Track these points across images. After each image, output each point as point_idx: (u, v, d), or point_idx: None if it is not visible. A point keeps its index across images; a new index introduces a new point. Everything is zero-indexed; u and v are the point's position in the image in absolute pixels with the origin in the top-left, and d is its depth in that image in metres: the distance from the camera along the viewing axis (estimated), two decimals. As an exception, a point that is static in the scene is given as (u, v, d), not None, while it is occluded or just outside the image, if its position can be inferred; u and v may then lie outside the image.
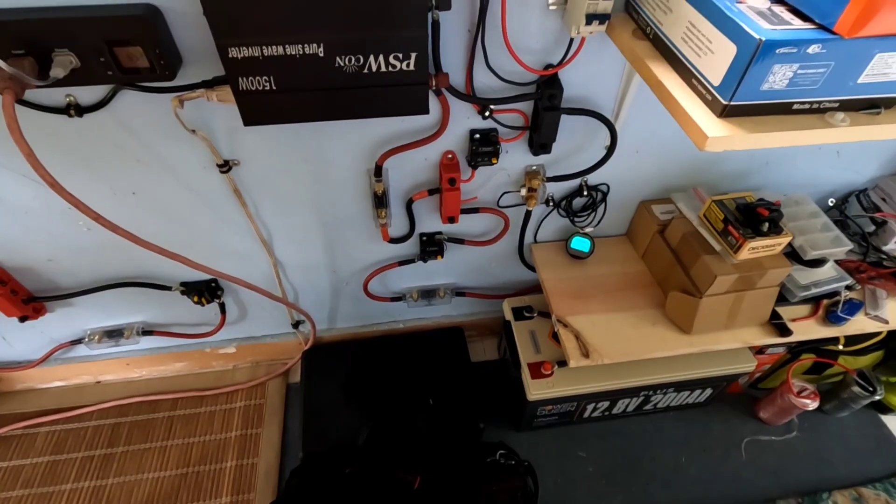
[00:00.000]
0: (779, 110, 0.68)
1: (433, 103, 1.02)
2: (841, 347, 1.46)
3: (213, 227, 1.21)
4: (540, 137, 1.09)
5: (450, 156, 1.15)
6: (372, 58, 0.81)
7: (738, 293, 1.18)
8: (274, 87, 0.83)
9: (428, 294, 1.53)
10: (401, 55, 0.81)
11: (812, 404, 1.43)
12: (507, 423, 1.57)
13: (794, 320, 1.28)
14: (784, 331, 1.24)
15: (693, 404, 1.57)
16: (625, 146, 1.19)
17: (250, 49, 0.77)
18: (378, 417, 1.47)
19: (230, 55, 0.77)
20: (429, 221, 1.31)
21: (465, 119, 1.08)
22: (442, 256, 1.37)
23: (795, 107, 0.69)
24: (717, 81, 0.68)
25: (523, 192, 1.23)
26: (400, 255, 1.40)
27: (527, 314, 1.46)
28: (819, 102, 0.69)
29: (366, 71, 0.82)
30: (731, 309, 1.21)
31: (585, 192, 1.28)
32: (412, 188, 1.21)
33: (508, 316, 1.48)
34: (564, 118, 1.08)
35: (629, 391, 1.41)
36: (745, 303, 1.20)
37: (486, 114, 1.04)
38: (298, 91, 0.84)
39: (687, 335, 1.23)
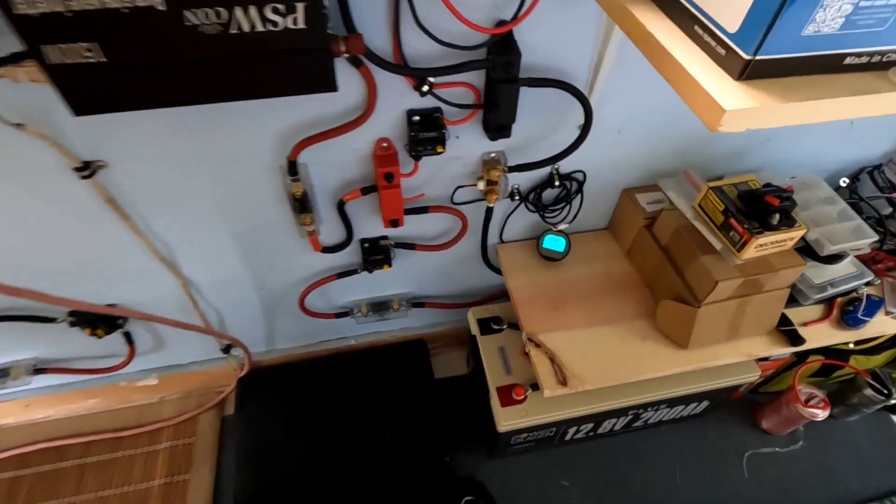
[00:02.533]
0: (825, 66, 0.46)
1: (350, 77, 0.78)
2: (852, 346, 1.28)
3: (91, 246, 0.96)
4: (496, 118, 0.86)
5: (384, 145, 0.91)
6: (239, 11, 0.56)
7: (742, 299, 0.98)
8: (104, 59, 0.58)
9: (380, 307, 1.31)
10: (282, 6, 0.57)
11: (822, 414, 1.26)
12: (479, 448, 1.37)
13: (805, 324, 1.09)
14: (795, 339, 1.05)
15: (687, 416, 1.39)
16: (603, 125, 0.97)
17: (48, 1, 0.52)
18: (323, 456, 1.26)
19: (17, 10, 0.52)
20: (370, 225, 1.08)
21: (398, 97, 0.84)
22: (389, 265, 1.14)
23: (848, 61, 0.47)
24: (733, 27, 0.45)
25: (481, 185, 1.00)
26: (338, 265, 1.17)
27: (495, 326, 1.25)
28: (882, 54, 0.47)
29: (233, 31, 0.58)
30: (733, 317, 1.01)
31: (557, 183, 1.05)
32: (342, 187, 0.97)
33: (474, 330, 1.27)
34: (526, 92, 0.85)
35: (616, 412, 1.22)
36: (750, 309, 1.00)
37: (425, 89, 0.81)
38: (141, 64, 0.59)
39: (682, 350, 1.03)
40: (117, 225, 0.91)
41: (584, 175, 1.08)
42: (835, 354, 1.29)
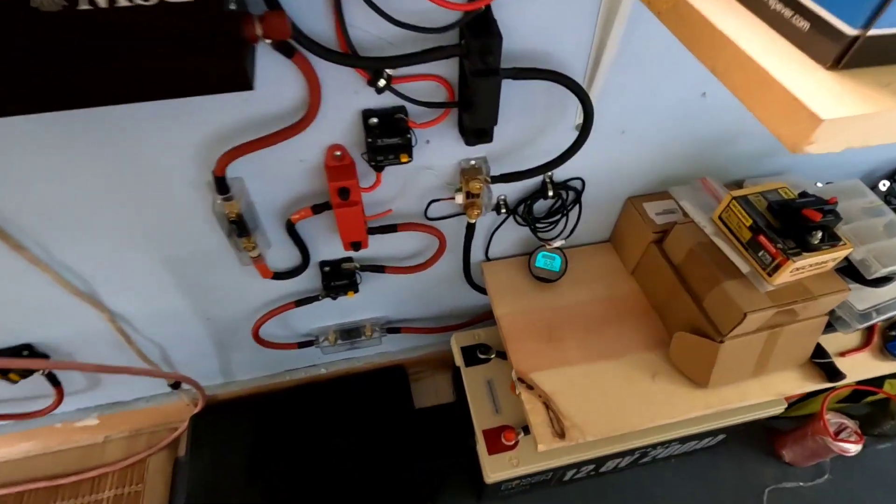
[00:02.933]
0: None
1: (282, 70, 0.61)
2: (886, 369, 1.13)
3: (-18, 282, 0.78)
4: (474, 119, 0.69)
5: (337, 154, 0.74)
6: (83, -23, 0.39)
7: (772, 330, 0.82)
8: None
9: (350, 334, 1.14)
10: (148, -31, 0.40)
11: (854, 449, 1.11)
12: (466, 490, 1.22)
13: (842, 354, 0.93)
14: (833, 373, 0.89)
15: (700, 449, 1.24)
16: (604, 125, 0.80)
17: None
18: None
19: None
20: (329, 246, 0.91)
21: (349, 95, 0.67)
22: (356, 291, 0.97)
23: None
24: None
25: (460, 198, 0.83)
26: (296, 292, 1.00)
27: (482, 356, 1.09)
28: None
29: (83, 7, 0.40)
30: (761, 351, 0.85)
31: (551, 193, 0.89)
32: (289, 204, 0.80)
33: (458, 360, 1.11)
34: (510, 86, 0.69)
35: (621, 453, 1.06)
36: (781, 341, 0.84)
37: (381, 84, 0.63)
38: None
39: (701, 389, 0.87)
40: (9, 256, 0.74)
41: (583, 183, 0.91)
42: (868, 379, 1.14)
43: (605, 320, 0.95)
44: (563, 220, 0.96)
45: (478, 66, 0.62)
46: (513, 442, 0.97)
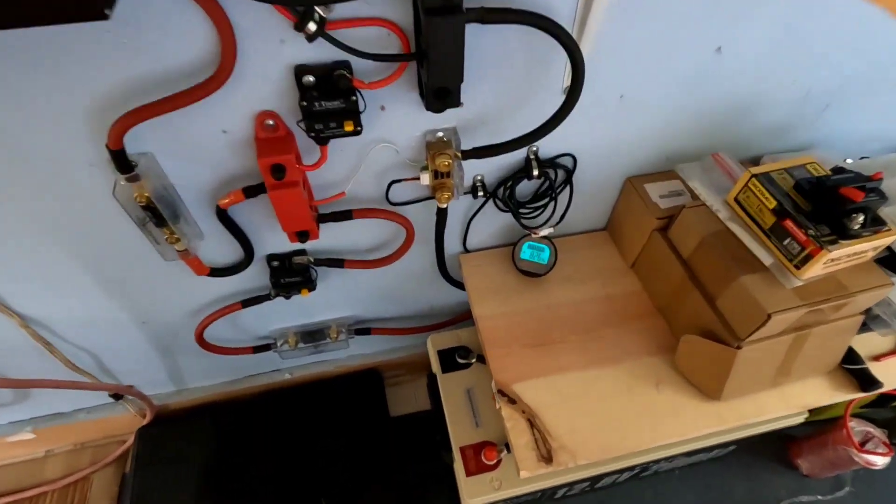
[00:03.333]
0: None
1: (183, 12, 0.47)
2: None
3: None
4: (433, 75, 0.55)
5: (269, 123, 0.60)
6: None
7: (798, 333, 0.69)
8: None
9: (313, 336, 1.01)
10: None
11: (882, 461, 0.98)
12: (447, 506, 1.09)
13: (876, 358, 0.80)
14: (867, 382, 0.76)
15: (707, 460, 1.12)
16: (599, 87, 0.66)
17: None
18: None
19: None
20: (276, 237, 0.77)
21: (275, 45, 0.53)
22: (312, 289, 0.84)
23: None
24: None
25: (426, 178, 0.69)
26: (241, 291, 0.86)
27: (461, 360, 0.96)
28: None
29: None
30: (785, 357, 0.72)
31: (536, 172, 0.75)
32: (218, 187, 0.67)
33: (434, 366, 0.97)
34: (480, 35, 0.55)
35: (619, 470, 0.94)
36: (808, 345, 0.71)
37: (312, 28, 0.49)
38: None
39: (713, 402, 0.74)
40: None
41: (574, 160, 0.78)
42: (896, 382, 1.01)
43: (600, 321, 0.82)
44: (552, 204, 0.82)
45: (435, 3, 0.48)
46: (494, 461, 0.85)
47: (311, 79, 0.55)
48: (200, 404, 1.13)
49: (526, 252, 0.85)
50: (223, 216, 0.69)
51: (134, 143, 0.57)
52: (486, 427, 0.89)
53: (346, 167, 0.69)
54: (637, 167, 0.83)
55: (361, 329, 1.02)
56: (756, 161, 0.86)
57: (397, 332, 1.05)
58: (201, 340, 0.90)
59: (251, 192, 0.65)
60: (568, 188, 0.80)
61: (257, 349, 0.99)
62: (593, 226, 0.94)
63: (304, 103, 0.56)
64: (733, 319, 0.69)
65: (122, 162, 0.56)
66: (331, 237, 0.80)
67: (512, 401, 0.74)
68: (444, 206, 0.74)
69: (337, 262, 0.82)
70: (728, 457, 1.12)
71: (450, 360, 0.97)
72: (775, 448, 1.17)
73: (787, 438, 1.16)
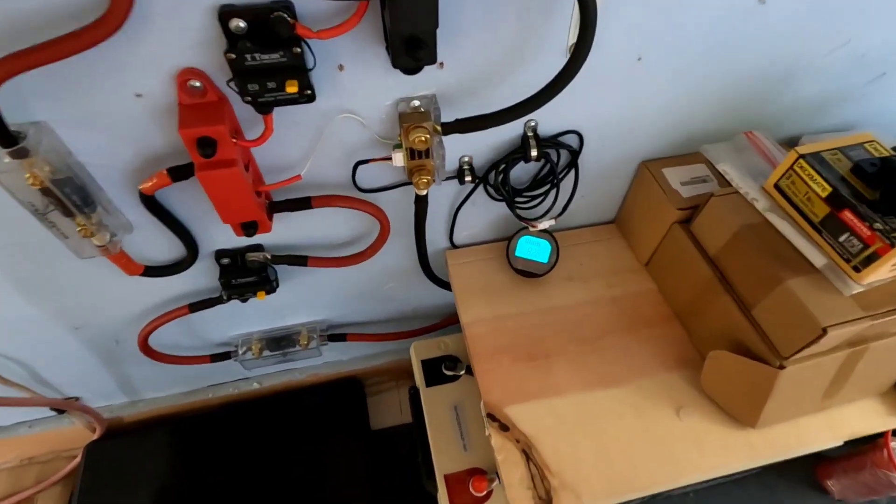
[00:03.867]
0: None
1: None
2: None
3: None
4: (398, 17, 0.42)
5: (195, 83, 0.47)
6: None
7: (853, 349, 0.57)
8: None
9: (280, 343, 0.89)
10: None
11: (929, 488, 0.86)
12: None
13: (936, 376, 0.68)
14: (929, 406, 0.64)
15: (727, 483, 1.00)
16: (612, 47, 0.54)
17: None
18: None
19: None
20: (226, 229, 0.65)
21: (187, -26, 0.40)
22: (271, 290, 0.72)
23: None
24: None
25: (399, 158, 0.57)
26: (189, 292, 0.74)
27: (448, 371, 0.84)
28: None
29: None
30: (835, 378, 0.59)
31: (535, 152, 0.62)
32: (140, 167, 0.54)
33: (418, 378, 0.85)
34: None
35: (629, 501, 0.82)
36: (862, 363, 0.59)
37: (231, -51, 0.37)
38: None
39: (748, 429, 0.62)
40: None
41: (580, 139, 0.65)
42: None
43: (608, 331, 0.70)
44: (553, 192, 0.69)
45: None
46: (484, 492, 0.73)
47: (242, 24, 0.42)
48: (157, 416, 1.01)
49: (523, 248, 0.72)
50: (151, 203, 0.56)
51: (19, 109, 0.45)
52: (476, 451, 0.77)
53: (301, 144, 0.56)
54: (654, 148, 0.70)
55: (335, 335, 0.90)
56: (793, 143, 0.73)
57: (376, 338, 0.93)
58: (146, 348, 0.78)
59: (179, 173, 0.52)
60: (573, 173, 0.68)
61: (215, 358, 0.87)
62: (600, 218, 0.81)
63: (233, 55, 0.43)
64: (775, 333, 0.56)
65: (8, 137, 0.44)
66: (290, 230, 0.67)
67: (504, 427, 0.61)
68: (424, 192, 0.62)
69: (299, 260, 0.69)
70: (750, 478, 1.00)
71: (435, 371, 0.85)
72: (803, 468, 1.05)
73: (816, 458, 1.04)
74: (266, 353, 0.88)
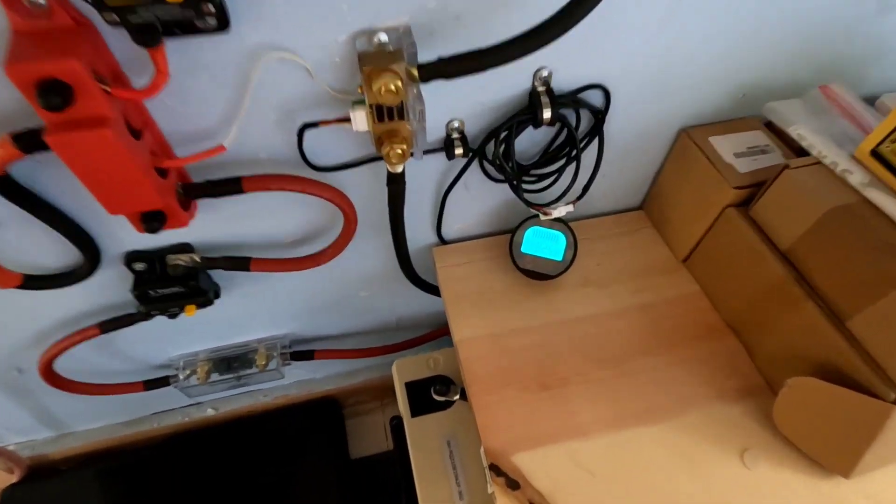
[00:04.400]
0: None
1: None
2: None
3: None
4: None
5: (38, 1, 0.30)
6: None
7: None
8: None
9: (231, 364, 0.72)
10: None
11: None
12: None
13: None
14: None
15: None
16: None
17: None
18: None
19: None
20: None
21: None
22: (204, 304, 0.55)
23: None
24: None
25: (361, 119, 0.40)
26: (97, 307, 0.57)
27: (438, 396, 0.68)
28: None
29: None
30: (958, 411, 0.44)
31: (548, 114, 0.46)
32: (-22, 132, 0.38)
33: (401, 404, 0.69)
34: None
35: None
36: None
37: None
38: None
39: (836, 478, 0.46)
40: None
41: (606, 95, 0.49)
42: None
43: (641, 349, 0.54)
44: (572, 168, 0.53)
45: None
46: (486, 557, 0.57)
47: None
48: (91, 452, 0.85)
49: (531, 242, 0.57)
50: (6, 187, 0.40)
51: None
52: (474, 498, 0.61)
53: (219, 100, 0.40)
54: (697, 110, 0.54)
55: (300, 352, 0.74)
56: (872, 101, 0.57)
57: (351, 354, 0.77)
58: (51, 377, 0.62)
59: (31, 141, 0.36)
60: (596, 142, 0.52)
61: (151, 385, 0.71)
62: (625, 203, 0.66)
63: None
64: (885, 353, 0.41)
65: None
66: (224, 224, 0.51)
67: (513, 483, 0.46)
68: (399, 168, 0.45)
69: (239, 264, 0.53)
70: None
71: (423, 395, 0.69)
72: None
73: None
74: (214, 376, 0.72)
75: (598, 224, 0.64)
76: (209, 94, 0.39)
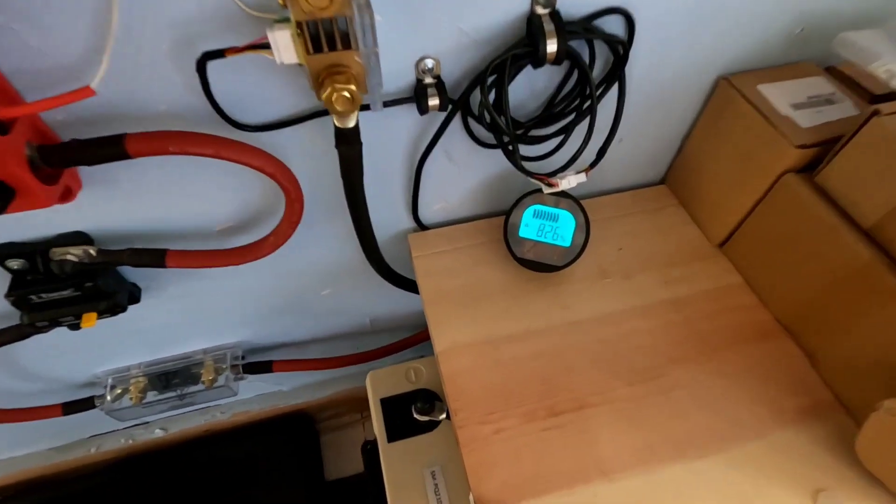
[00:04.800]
0: None
1: None
2: None
3: None
4: None
5: None
6: None
7: None
8: None
9: (171, 381, 0.60)
10: None
11: None
12: None
13: None
14: None
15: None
16: None
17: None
18: None
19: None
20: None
21: None
22: (107, 313, 0.43)
23: None
24: None
25: (285, 46, 0.28)
26: (-30, 319, 0.45)
27: (420, 416, 0.56)
28: None
29: None
30: None
31: (552, 46, 0.34)
32: None
33: (376, 426, 0.57)
34: None
35: None
36: None
37: None
38: None
39: (938, 530, 0.35)
40: None
41: (630, 24, 0.37)
42: None
43: (674, 357, 0.42)
44: (582, 126, 0.41)
45: None
46: None
47: None
48: (18, 483, 0.72)
49: (531, 225, 0.45)
50: None
51: None
52: (465, 544, 0.50)
53: (73, 18, 0.27)
54: (740, 52, 0.42)
55: (256, 364, 0.62)
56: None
57: (317, 365, 0.65)
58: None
59: None
60: (616, 92, 0.39)
61: (70, 408, 0.58)
62: (644, 176, 0.54)
63: None
64: None
65: None
66: (128, 205, 0.39)
67: (512, 546, 0.34)
68: (350, 122, 0.33)
69: (151, 258, 0.40)
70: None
71: (402, 414, 0.57)
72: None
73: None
74: (151, 395, 0.60)
75: (611, 202, 0.52)
76: (55, 9, 0.26)
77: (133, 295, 0.46)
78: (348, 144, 0.34)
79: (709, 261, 0.48)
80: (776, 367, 0.42)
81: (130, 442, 0.73)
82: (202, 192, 0.40)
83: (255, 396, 0.77)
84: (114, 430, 0.74)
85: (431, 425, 0.56)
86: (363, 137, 0.35)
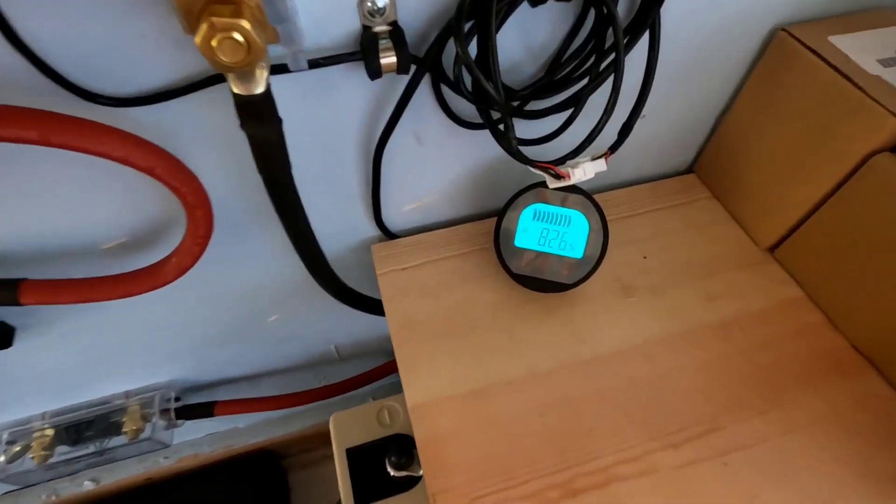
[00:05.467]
0: None
1: None
2: None
3: None
4: None
5: None
6: None
7: None
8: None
9: (84, 432, 0.48)
10: None
11: None
12: None
13: None
14: None
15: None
16: None
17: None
18: None
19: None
20: None
21: None
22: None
23: None
24: None
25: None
26: None
27: (395, 471, 0.44)
28: None
29: None
30: None
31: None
32: None
33: (342, 484, 0.46)
34: None
35: None
36: None
37: None
38: None
39: None
40: None
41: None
42: None
43: (729, 403, 0.32)
44: (600, 94, 0.30)
45: None
46: None
47: None
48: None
49: (530, 230, 0.34)
50: None
51: None
52: None
53: None
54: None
55: (194, 407, 0.50)
56: None
57: (269, 404, 0.53)
58: None
59: None
60: (645, 42, 0.28)
61: (-47, 474, 0.46)
62: (669, 164, 0.43)
63: None
64: None
65: None
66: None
67: None
68: (257, 86, 0.22)
69: (6, 290, 0.29)
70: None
71: (374, 468, 0.45)
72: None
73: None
74: (61, 452, 0.48)
75: (627, 197, 0.42)
76: None
77: (4, 336, 0.35)
78: (257, 121, 0.23)
79: (756, 269, 0.38)
80: (863, 413, 0.31)
81: (53, 498, 0.61)
82: (76, 196, 0.28)
83: (205, 437, 0.65)
84: (32, 485, 0.62)
85: (410, 483, 0.44)
86: (291, 114, 0.23)
